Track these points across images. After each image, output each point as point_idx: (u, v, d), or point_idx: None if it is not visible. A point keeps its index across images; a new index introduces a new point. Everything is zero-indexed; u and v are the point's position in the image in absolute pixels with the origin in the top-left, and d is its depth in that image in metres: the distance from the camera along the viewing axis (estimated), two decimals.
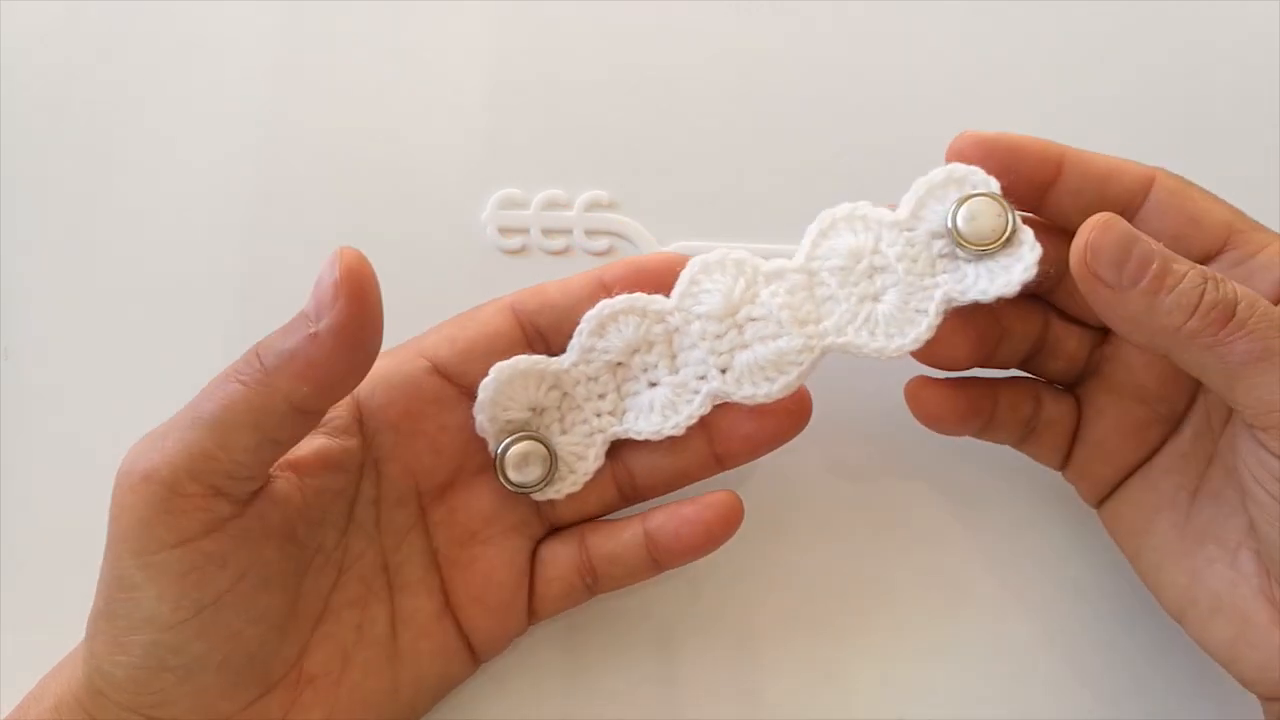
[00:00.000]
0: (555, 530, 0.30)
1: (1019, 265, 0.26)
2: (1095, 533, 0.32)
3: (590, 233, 0.33)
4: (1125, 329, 0.25)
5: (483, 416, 0.28)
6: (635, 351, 0.28)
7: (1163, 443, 0.29)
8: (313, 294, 0.24)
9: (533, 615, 0.30)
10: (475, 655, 0.29)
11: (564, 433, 0.29)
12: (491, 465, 0.28)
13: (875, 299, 0.27)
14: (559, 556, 0.29)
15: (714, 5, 0.35)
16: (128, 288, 0.34)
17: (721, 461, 0.29)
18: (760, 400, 0.28)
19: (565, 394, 0.29)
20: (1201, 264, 0.25)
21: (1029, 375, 0.30)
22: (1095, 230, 0.24)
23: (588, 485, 0.29)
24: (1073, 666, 0.31)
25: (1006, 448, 0.31)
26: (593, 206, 0.34)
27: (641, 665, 0.31)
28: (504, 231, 0.33)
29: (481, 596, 0.29)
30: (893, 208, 0.28)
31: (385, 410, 0.28)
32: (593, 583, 0.29)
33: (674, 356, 0.28)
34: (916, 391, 0.29)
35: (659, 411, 0.28)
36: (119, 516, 0.24)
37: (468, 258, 0.33)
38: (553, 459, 0.28)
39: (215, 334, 0.33)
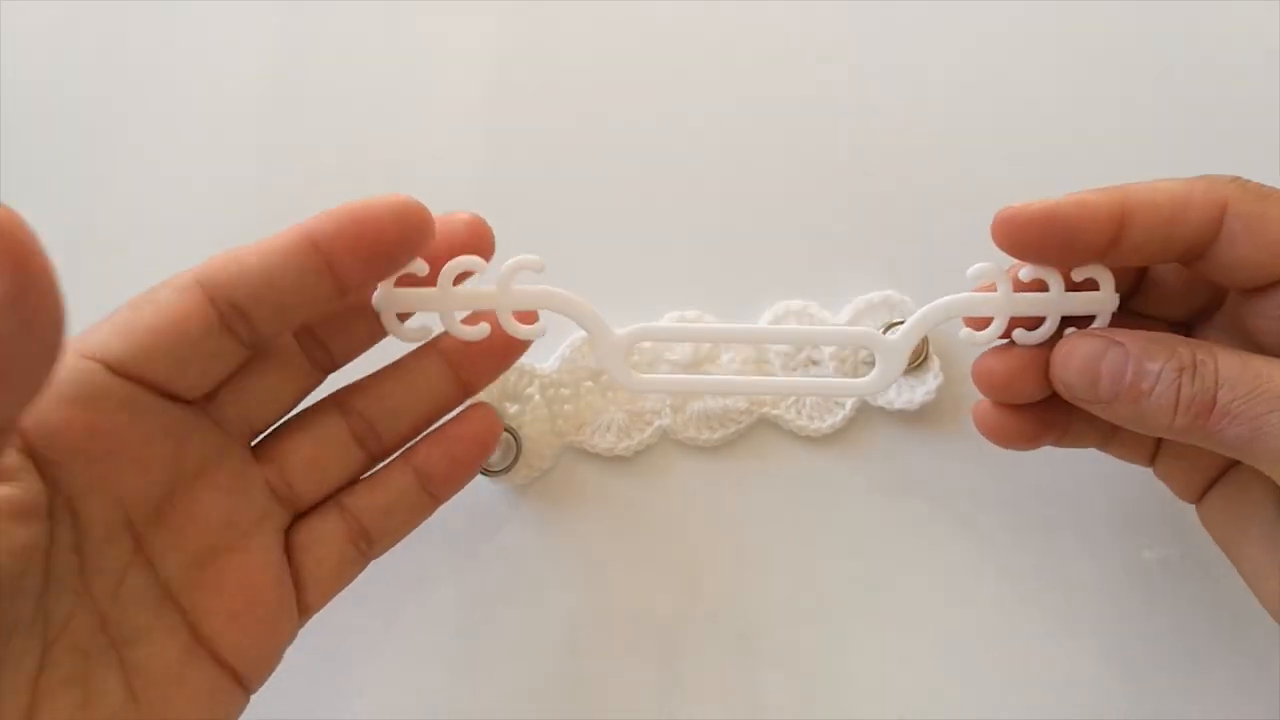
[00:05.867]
0: (304, 514, 0.27)
1: (922, 388, 0.32)
2: (1096, 533, 0.32)
3: None
4: (1128, 428, 0.25)
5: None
6: (604, 373, 0.32)
7: None
8: None
9: (304, 610, 0.26)
10: (244, 683, 0.25)
11: (527, 427, 0.32)
12: (211, 464, 0.25)
13: None
14: (319, 533, 0.26)
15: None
16: (128, 289, 0.33)
17: (467, 388, 0.27)
18: (700, 445, 0.32)
19: (536, 394, 0.32)
20: None
21: None
22: (1058, 365, 0.26)
23: (328, 454, 0.26)
24: (1073, 667, 0.32)
25: (1007, 450, 0.32)
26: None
27: (642, 665, 0.32)
28: None
29: (242, 611, 0.25)
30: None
31: (63, 434, 0.22)
32: (367, 547, 0.27)
33: None
34: (985, 413, 0.28)
35: (614, 432, 0.32)
36: None
37: None
38: (518, 447, 0.31)
39: None
